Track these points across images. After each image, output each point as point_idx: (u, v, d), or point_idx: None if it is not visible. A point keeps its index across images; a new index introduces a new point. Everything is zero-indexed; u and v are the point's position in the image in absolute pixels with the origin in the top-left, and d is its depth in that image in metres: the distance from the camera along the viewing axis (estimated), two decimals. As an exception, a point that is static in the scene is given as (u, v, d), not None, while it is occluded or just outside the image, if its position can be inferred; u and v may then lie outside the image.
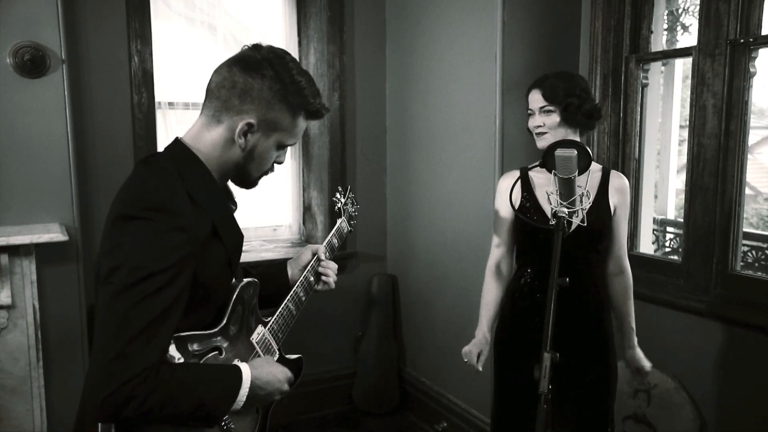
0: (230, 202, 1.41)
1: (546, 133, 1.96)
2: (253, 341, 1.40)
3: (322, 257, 1.63)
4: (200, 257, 1.21)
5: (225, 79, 1.27)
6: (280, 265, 1.66)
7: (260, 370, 1.30)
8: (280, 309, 1.50)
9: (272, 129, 1.28)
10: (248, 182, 1.37)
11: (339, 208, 1.81)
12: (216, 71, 1.29)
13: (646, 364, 2.04)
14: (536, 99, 1.98)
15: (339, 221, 1.78)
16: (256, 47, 1.29)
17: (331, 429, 3.31)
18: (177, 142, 1.31)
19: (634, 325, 2.05)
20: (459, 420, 3.07)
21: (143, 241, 1.13)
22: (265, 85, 1.25)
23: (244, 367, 1.26)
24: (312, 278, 1.60)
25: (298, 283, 1.56)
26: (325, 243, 1.68)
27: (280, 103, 1.27)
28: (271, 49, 1.30)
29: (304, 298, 1.57)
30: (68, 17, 2.59)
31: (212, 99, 1.28)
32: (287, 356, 1.51)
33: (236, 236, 1.37)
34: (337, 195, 1.83)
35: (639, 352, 2.05)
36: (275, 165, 1.37)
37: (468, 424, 3.00)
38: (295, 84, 1.27)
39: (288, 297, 1.52)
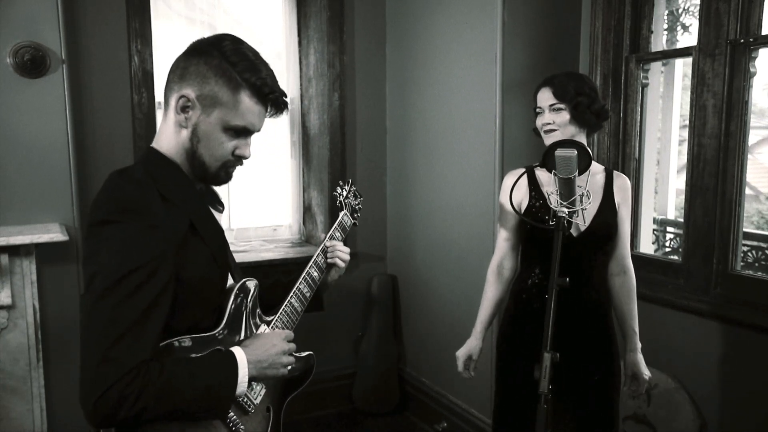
0: (215, 203, 1.39)
1: (555, 130, 1.95)
2: None
3: (327, 244, 1.63)
4: (181, 255, 1.20)
5: (172, 65, 1.28)
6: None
7: (253, 346, 1.29)
8: (283, 306, 1.48)
9: (211, 104, 1.23)
10: (210, 175, 1.29)
11: (340, 202, 1.78)
12: None
13: (645, 372, 1.99)
14: (546, 97, 1.97)
15: (341, 214, 1.76)
16: (209, 36, 1.29)
17: (331, 429, 3.31)
18: (148, 149, 1.32)
19: (636, 328, 2.01)
20: (459, 420, 3.07)
21: (116, 243, 1.13)
22: (202, 61, 1.24)
23: (237, 349, 1.25)
24: (315, 273, 1.58)
25: (300, 279, 1.54)
26: (327, 236, 1.67)
27: (217, 77, 1.23)
28: (223, 33, 1.29)
29: (308, 294, 1.55)
30: (68, 17, 2.59)
31: (164, 90, 1.29)
32: (296, 354, 1.48)
33: (217, 233, 1.34)
34: (338, 189, 1.80)
35: (639, 358, 2.00)
36: (242, 159, 1.30)
37: (468, 424, 3.00)
38: (236, 56, 1.24)
39: (291, 293, 1.51)
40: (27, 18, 2.40)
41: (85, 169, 2.74)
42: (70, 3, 2.63)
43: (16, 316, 2.38)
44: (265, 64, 1.28)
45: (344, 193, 1.80)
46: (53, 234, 2.31)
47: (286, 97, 1.31)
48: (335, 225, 1.72)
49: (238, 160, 1.30)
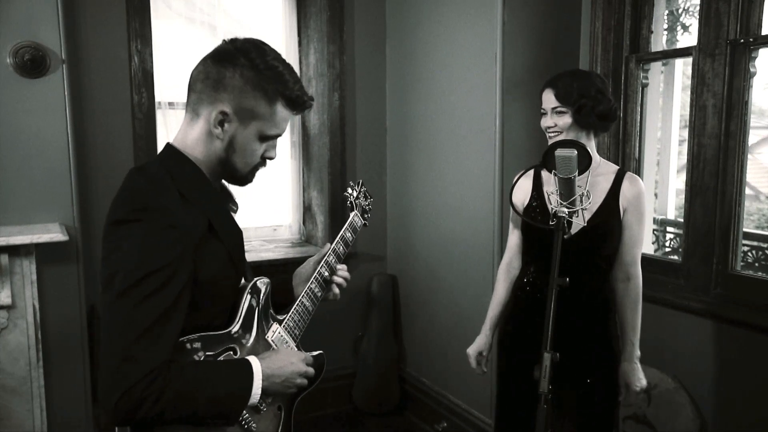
0: (230, 202, 1.40)
1: (559, 133, 1.93)
2: (269, 339, 1.40)
3: (339, 247, 1.64)
4: (198, 255, 1.21)
5: (200, 73, 1.28)
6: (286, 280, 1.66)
7: (270, 360, 1.30)
8: (294, 305, 1.50)
9: (249, 118, 1.26)
10: (238, 178, 1.34)
11: (351, 203, 1.78)
12: (194, 67, 1.30)
13: (636, 383, 1.93)
14: (549, 99, 1.94)
15: (351, 215, 1.75)
16: (232, 40, 1.29)
17: (331, 429, 3.31)
18: (167, 146, 1.32)
19: (636, 340, 1.94)
20: (459, 420, 3.07)
21: (136, 242, 1.14)
22: (237, 73, 1.24)
23: (254, 360, 1.26)
24: (326, 273, 1.59)
25: (312, 278, 1.55)
26: (338, 237, 1.67)
27: (255, 91, 1.24)
28: (247, 39, 1.29)
29: (319, 293, 1.56)
30: (68, 17, 2.59)
31: (191, 94, 1.29)
32: (307, 353, 1.49)
33: (235, 233, 1.36)
34: (349, 189, 1.80)
35: (632, 367, 1.94)
36: (267, 161, 1.35)
37: (468, 424, 3.00)
38: (270, 70, 1.25)
39: (303, 293, 1.52)
40: (27, 18, 2.40)
41: (85, 169, 2.74)
42: (70, 3, 2.63)
43: (16, 316, 2.38)
44: (292, 71, 1.30)
45: (354, 194, 1.80)
46: (53, 234, 2.31)
47: (313, 100, 1.36)
48: (346, 225, 1.71)
49: (264, 161, 1.34)
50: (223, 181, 1.38)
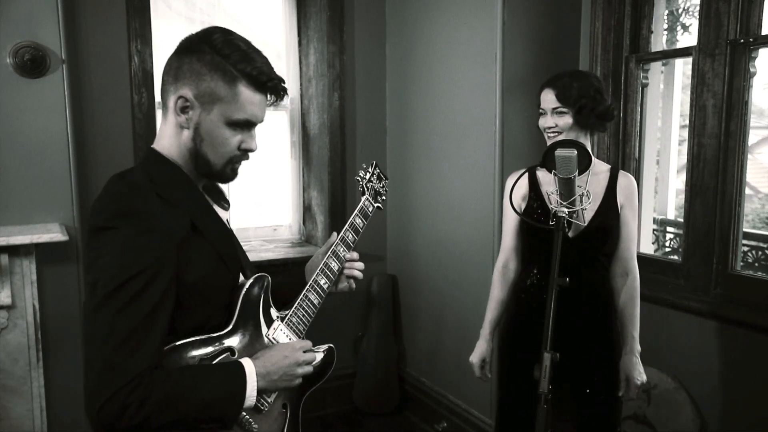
0: (221, 200, 1.37)
1: (559, 134, 1.93)
2: (270, 337, 1.36)
3: (348, 256, 1.59)
4: (183, 256, 1.19)
5: (165, 65, 1.26)
6: (299, 273, 1.62)
7: (264, 358, 1.27)
8: (298, 300, 1.45)
9: (210, 101, 1.21)
10: (215, 173, 1.28)
11: (362, 186, 1.69)
12: None
13: (637, 377, 1.92)
14: (549, 99, 1.94)
15: (362, 199, 1.67)
16: (198, 31, 1.26)
17: (331, 429, 3.31)
18: (148, 150, 1.30)
19: (636, 334, 1.95)
20: (459, 420, 3.07)
21: (115, 249, 1.12)
22: (195, 58, 1.21)
23: (247, 361, 1.23)
24: (333, 264, 1.53)
25: (317, 270, 1.50)
26: (347, 224, 1.61)
27: (212, 72, 1.20)
28: (212, 26, 1.27)
29: (326, 286, 1.51)
30: (68, 17, 2.59)
31: (161, 90, 1.28)
32: (314, 348, 1.46)
33: (223, 232, 1.33)
34: (360, 172, 1.72)
35: (633, 361, 1.93)
36: (248, 153, 1.28)
37: (468, 424, 3.00)
38: (229, 48, 1.21)
39: (307, 286, 1.47)
40: (27, 18, 2.40)
41: (85, 169, 2.74)
42: (70, 3, 2.63)
43: (16, 316, 2.38)
44: (258, 52, 1.25)
45: (367, 176, 1.71)
46: (53, 234, 2.31)
47: (283, 82, 1.29)
48: (356, 211, 1.64)
49: (245, 154, 1.28)
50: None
